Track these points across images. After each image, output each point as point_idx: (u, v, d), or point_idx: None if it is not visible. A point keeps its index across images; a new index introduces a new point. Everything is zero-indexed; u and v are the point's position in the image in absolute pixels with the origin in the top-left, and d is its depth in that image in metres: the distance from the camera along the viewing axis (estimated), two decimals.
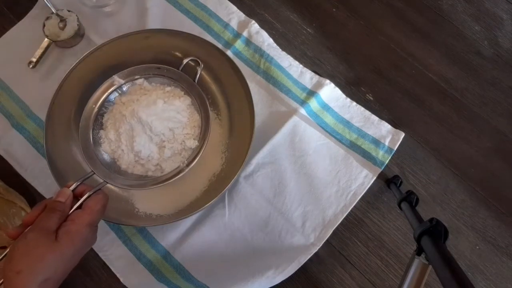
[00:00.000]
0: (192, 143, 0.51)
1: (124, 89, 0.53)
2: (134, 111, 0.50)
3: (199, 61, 0.54)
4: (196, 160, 0.49)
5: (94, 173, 0.45)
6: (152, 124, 0.50)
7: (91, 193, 0.38)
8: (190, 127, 0.52)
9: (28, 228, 0.34)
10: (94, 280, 0.54)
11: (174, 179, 0.48)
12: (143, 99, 0.52)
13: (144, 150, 0.50)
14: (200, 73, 0.53)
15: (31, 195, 0.57)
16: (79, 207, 0.37)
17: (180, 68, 0.53)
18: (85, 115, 0.50)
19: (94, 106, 0.51)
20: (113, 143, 0.51)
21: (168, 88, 0.54)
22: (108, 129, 0.52)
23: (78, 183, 0.39)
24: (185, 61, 0.53)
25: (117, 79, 0.52)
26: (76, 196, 0.38)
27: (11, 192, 0.54)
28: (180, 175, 0.48)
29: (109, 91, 0.52)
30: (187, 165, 0.49)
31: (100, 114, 0.52)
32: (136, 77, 0.53)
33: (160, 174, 0.51)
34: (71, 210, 0.36)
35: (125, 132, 0.50)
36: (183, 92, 0.54)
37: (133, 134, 0.50)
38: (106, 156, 0.51)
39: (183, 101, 0.53)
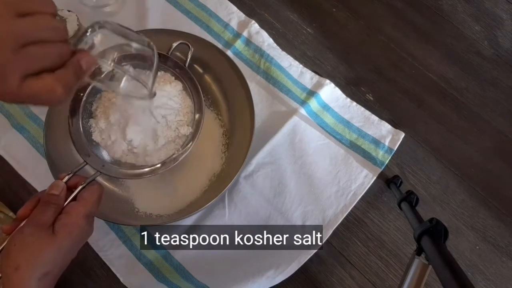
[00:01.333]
0: (186, 130, 0.50)
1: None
2: (124, 99, 0.48)
3: (189, 45, 0.52)
4: (191, 147, 0.48)
5: (87, 163, 0.44)
6: (144, 112, 0.48)
7: (85, 184, 0.37)
8: (183, 114, 0.51)
9: (23, 222, 0.33)
10: (94, 280, 0.54)
11: (170, 167, 0.47)
12: None
13: (136, 139, 0.49)
14: (191, 63, 0.52)
15: (30, 196, 0.57)
16: (74, 199, 0.36)
17: (170, 53, 0.52)
18: (73, 104, 0.49)
19: (82, 94, 0.49)
20: (104, 132, 0.50)
21: (158, 74, 0.52)
22: (98, 118, 0.50)
23: (71, 175, 0.38)
24: (174, 44, 0.52)
25: (104, 66, 0.51)
26: (70, 188, 0.37)
27: None
28: (176, 163, 0.48)
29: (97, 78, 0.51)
30: (182, 153, 0.48)
31: (89, 102, 0.50)
32: (124, 63, 0.51)
33: (155, 162, 0.49)
34: (66, 202, 0.36)
35: (116, 120, 0.49)
36: (173, 77, 0.52)
37: (124, 123, 0.49)
38: (98, 146, 0.50)
39: (174, 86, 0.51)
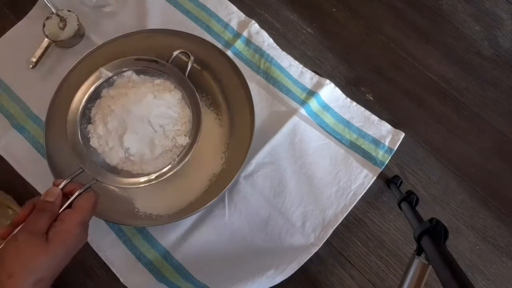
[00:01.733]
0: (183, 140, 0.50)
1: (112, 81, 0.52)
2: (123, 106, 0.49)
3: (189, 54, 0.52)
4: (187, 158, 0.48)
5: (83, 170, 0.44)
6: (142, 120, 0.48)
7: (81, 191, 0.37)
8: (181, 123, 0.51)
9: (18, 228, 0.33)
10: (94, 280, 0.54)
11: (165, 176, 0.48)
12: (132, 93, 0.50)
13: (133, 147, 0.49)
14: (191, 66, 0.52)
15: (30, 196, 0.57)
16: (69, 205, 0.36)
17: (170, 61, 0.52)
18: (72, 109, 0.49)
19: (81, 99, 0.49)
20: (102, 139, 0.50)
21: (158, 81, 0.52)
22: (96, 124, 0.50)
23: (67, 181, 0.38)
24: (174, 53, 0.52)
25: (104, 72, 0.50)
26: (65, 194, 0.37)
27: None
28: (171, 172, 0.48)
29: (96, 84, 0.50)
30: (178, 163, 0.48)
31: (88, 108, 0.50)
32: (124, 69, 0.52)
33: (151, 171, 0.49)
34: (61, 210, 0.35)
35: (114, 127, 0.49)
36: (173, 86, 0.52)
37: (122, 130, 0.49)
38: (95, 152, 0.50)
39: (174, 95, 0.52)
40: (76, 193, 0.37)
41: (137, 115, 0.49)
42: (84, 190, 0.38)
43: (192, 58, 0.52)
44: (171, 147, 0.51)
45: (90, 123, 0.51)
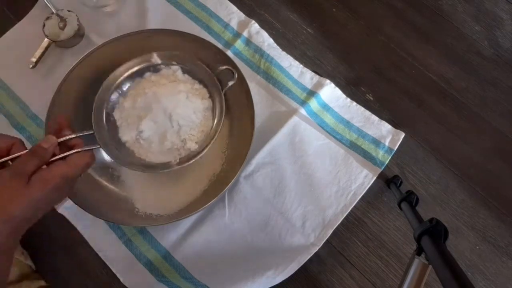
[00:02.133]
0: (193, 146, 0.51)
1: (158, 69, 0.54)
2: (156, 94, 0.51)
3: (234, 72, 0.53)
4: (187, 163, 0.49)
5: (94, 133, 0.45)
6: (165, 112, 0.50)
7: (80, 150, 0.37)
8: (197, 130, 0.52)
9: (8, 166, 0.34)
10: (94, 280, 0.54)
11: (162, 171, 0.49)
12: (170, 86, 0.52)
13: (147, 132, 0.50)
14: (231, 86, 0.53)
15: None
16: (64, 158, 0.37)
17: (216, 73, 0.53)
18: (112, 77, 0.51)
19: (123, 72, 0.52)
20: (124, 112, 0.51)
21: (197, 86, 0.54)
22: (126, 98, 0.52)
23: (73, 136, 0.38)
24: (221, 68, 0.53)
25: (155, 57, 0.53)
26: (68, 147, 0.38)
27: None
28: (168, 169, 0.49)
29: (143, 65, 0.53)
30: (178, 164, 0.49)
31: (125, 82, 0.53)
32: (173, 62, 0.54)
33: (153, 161, 0.50)
34: (55, 158, 0.36)
35: (139, 108, 0.51)
36: (208, 95, 0.54)
37: (144, 114, 0.50)
38: (114, 123, 0.51)
39: (204, 103, 0.53)
40: (75, 150, 0.37)
41: (163, 106, 0.50)
42: (84, 150, 0.38)
43: (236, 76, 0.53)
44: (179, 147, 0.51)
45: (121, 95, 0.53)
